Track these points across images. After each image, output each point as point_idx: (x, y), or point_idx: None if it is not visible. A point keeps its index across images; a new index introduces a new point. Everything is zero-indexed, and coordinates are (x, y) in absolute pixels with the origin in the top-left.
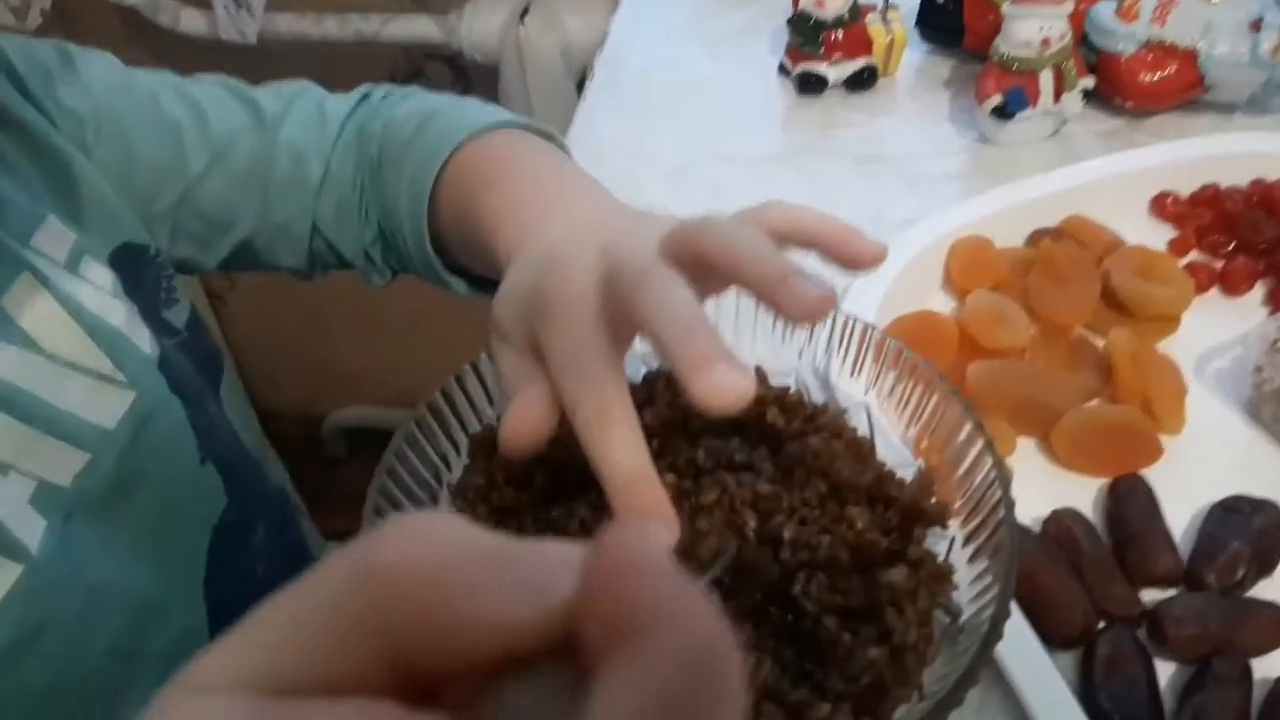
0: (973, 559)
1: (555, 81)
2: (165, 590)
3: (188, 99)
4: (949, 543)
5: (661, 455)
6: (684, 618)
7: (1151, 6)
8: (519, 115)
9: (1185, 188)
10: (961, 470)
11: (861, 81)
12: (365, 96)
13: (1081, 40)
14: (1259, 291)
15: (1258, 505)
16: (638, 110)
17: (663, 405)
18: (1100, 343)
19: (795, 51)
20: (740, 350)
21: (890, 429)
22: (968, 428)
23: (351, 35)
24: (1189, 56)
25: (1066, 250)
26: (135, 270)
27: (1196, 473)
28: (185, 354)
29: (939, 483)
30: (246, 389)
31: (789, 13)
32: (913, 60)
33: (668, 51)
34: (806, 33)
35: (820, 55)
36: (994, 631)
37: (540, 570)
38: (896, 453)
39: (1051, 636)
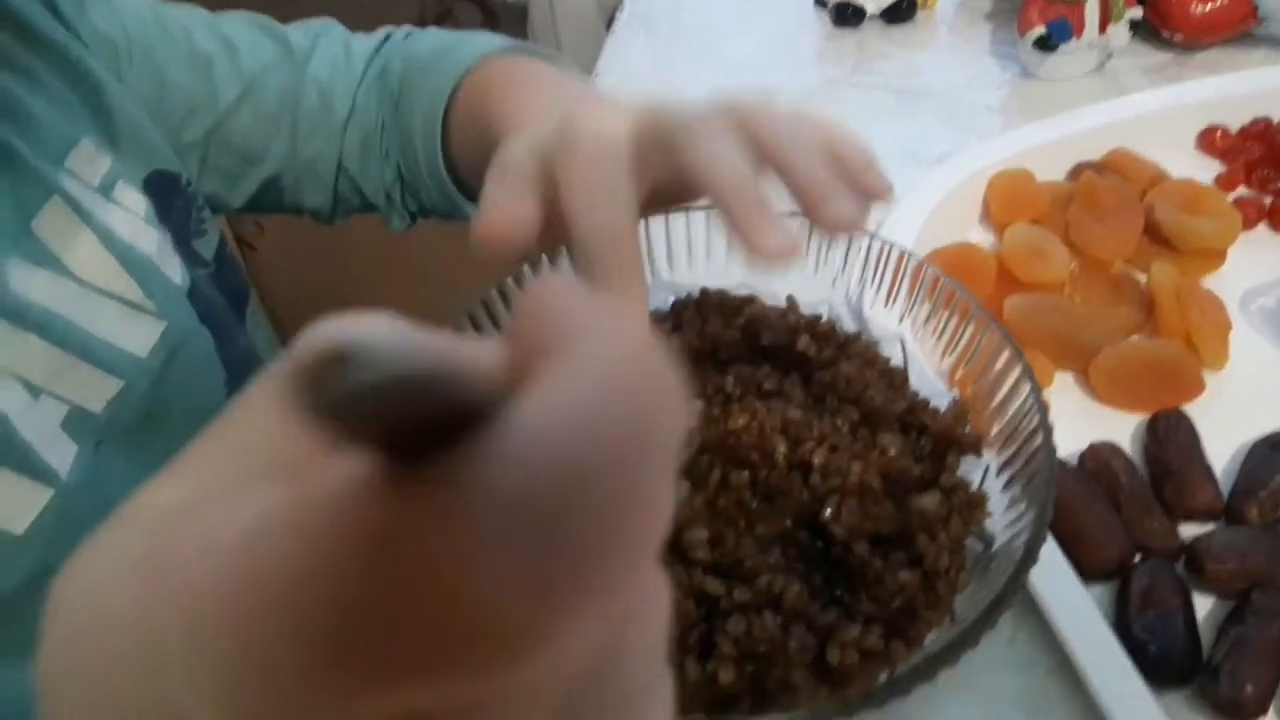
0: (1007, 486)
1: (585, 22)
2: None
3: (218, 33)
4: (983, 471)
5: (690, 383)
6: (612, 330)
7: None
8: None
9: (1235, 122)
10: (998, 399)
11: (900, 13)
12: (388, 36)
13: None
14: None
15: None
16: (667, 42)
17: (691, 333)
18: (1142, 278)
19: None
20: (770, 279)
21: (924, 360)
22: (1005, 355)
23: None
24: None
25: (1109, 184)
26: (168, 198)
27: (1239, 409)
28: (214, 286)
29: (974, 413)
30: (276, 334)
31: None
32: None
33: None
34: None
35: None
36: (1029, 556)
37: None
38: (930, 385)
39: (1087, 569)
